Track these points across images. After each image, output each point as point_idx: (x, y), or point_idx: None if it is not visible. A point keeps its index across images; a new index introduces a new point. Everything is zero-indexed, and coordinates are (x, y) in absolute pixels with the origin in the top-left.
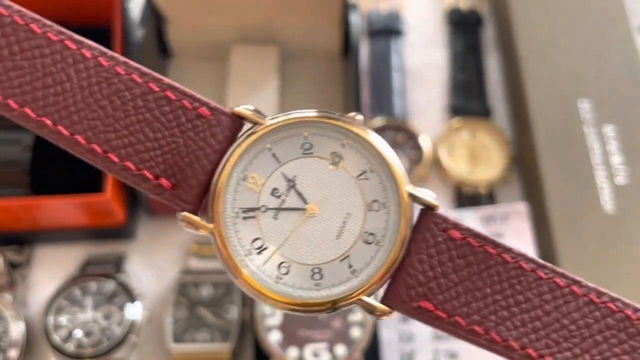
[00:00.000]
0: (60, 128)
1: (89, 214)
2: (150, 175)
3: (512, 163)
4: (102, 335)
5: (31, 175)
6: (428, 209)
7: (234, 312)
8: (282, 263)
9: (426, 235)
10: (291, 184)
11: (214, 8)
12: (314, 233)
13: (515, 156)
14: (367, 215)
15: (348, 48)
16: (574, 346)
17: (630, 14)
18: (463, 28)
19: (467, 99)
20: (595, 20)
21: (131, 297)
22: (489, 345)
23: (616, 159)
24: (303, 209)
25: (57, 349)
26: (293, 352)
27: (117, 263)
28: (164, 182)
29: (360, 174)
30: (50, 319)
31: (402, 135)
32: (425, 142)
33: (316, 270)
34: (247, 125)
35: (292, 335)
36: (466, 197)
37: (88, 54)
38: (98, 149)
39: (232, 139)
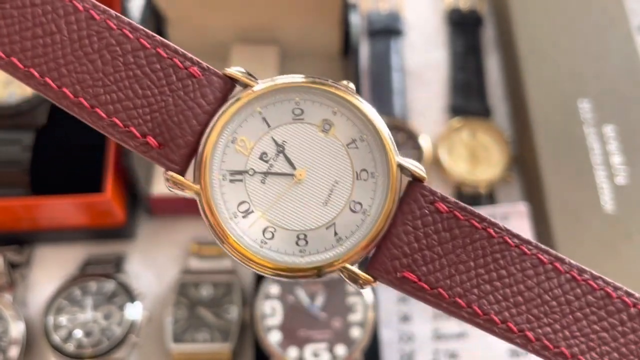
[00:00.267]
0: (48, 80)
1: (89, 214)
2: (137, 133)
3: (512, 163)
4: (102, 335)
5: (31, 175)
6: (416, 181)
7: (234, 312)
8: (267, 227)
9: (413, 207)
10: (280, 148)
11: (214, 8)
12: (300, 199)
13: (515, 156)
14: (355, 184)
15: (348, 48)
16: (554, 322)
17: (630, 14)
18: (463, 28)
19: (467, 99)
20: (595, 20)
21: (131, 297)
22: (471, 318)
23: (616, 159)
24: (291, 175)
25: (57, 349)
26: (293, 352)
27: (117, 263)
28: (151, 140)
29: (350, 143)
30: (50, 319)
31: (402, 135)
32: (425, 142)
33: (301, 237)
34: (239, 88)
35: (292, 335)
36: (466, 197)
37: (80, 6)
38: (86, 104)
39: (222, 100)
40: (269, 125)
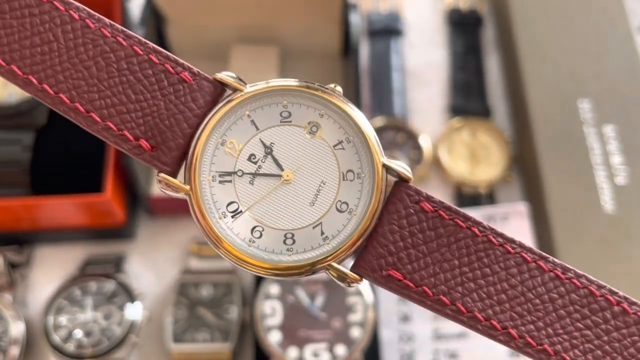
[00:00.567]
0: (46, 86)
1: (89, 214)
2: (130, 136)
3: (512, 163)
4: (102, 335)
5: (31, 175)
6: (402, 181)
7: (234, 312)
8: (255, 227)
9: (398, 207)
10: (268, 150)
11: (214, 8)
12: (288, 199)
13: (515, 156)
14: (342, 184)
15: (348, 48)
16: (538, 319)
17: (630, 14)
18: (463, 28)
19: (467, 98)
20: (595, 20)
21: (131, 297)
22: (455, 315)
23: (616, 159)
24: (279, 176)
25: (57, 349)
26: (293, 352)
27: (117, 263)
28: (143, 143)
29: (337, 144)
30: (50, 319)
31: (402, 135)
32: (425, 142)
33: (289, 236)
34: (228, 92)
35: (292, 335)
36: (466, 197)
37: (76, 16)
38: (81, 108)
39: (212, 104)
40: (257, 128)
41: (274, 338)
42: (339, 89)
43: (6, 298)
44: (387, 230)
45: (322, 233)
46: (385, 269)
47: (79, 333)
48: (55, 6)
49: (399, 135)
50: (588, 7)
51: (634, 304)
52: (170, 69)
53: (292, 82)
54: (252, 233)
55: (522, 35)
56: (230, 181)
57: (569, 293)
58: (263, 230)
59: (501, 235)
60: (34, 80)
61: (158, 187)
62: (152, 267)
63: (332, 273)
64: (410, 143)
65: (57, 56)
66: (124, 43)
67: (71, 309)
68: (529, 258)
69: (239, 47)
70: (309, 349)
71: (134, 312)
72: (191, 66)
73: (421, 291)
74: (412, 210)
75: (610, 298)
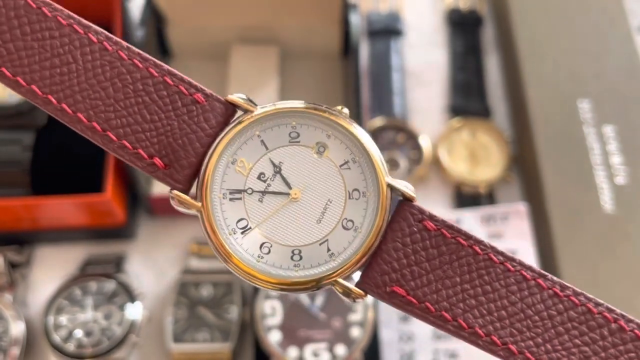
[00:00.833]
0: (64, 106)
1: (89, 214)
2: (144, 155)
3: (512, 163)
4: (102, 335)
5: (31, 175)
6: (406, 200)
7: (234, 312)
8: (264, 243)
9: (402, 225)
10: (277, 169)
11: (214, 8)
12: (296, 217)
13: (515, 156)
14: (348, 202)
15: (348, 48)
16: (537, 336)
17: (630, 14)
18: (463, 28)
19: (467, 99)
20: (595, 20)
21: (131, 297)
22: (457, 331)
23: (616, 159)
24: (287, 194)
25: (57, 348)
26: (293, 352)
27: (118, 263)
28: (157, 161)
29: (343, 164)
30: (51, 319)
31: (402, 135)
32: (425, 142)
33: (296, 252)
34: (239, 113)
35: (292, 335)
36: (466, 197)
37: (94, 39)
38: (98, 127)
39: (224, 124)
40: (266, 148)
41: (274, 338)
42: (346, 110)
43: (6, 298)
44: (391, 247)
45: (329, 250)
46: (389, 285)
47: (79, 333)
48: (75, 29)
49: (399, 135)
50: (588, 7)
51: (631, 321)
52: (184, 91)
53: (298, 104)
54: (260, 249)
55: (522, 35)
56: (240, 199)
57: (567, 310)
58: (271, 246)
59: (502, 253)
60: (53, 100)
61: (171, 203)
62: (152, 267)
63: (338, 289)
64: (410, 143)
65: (76, 77)
66: (140, 65)
67: (71, 309)
68: (528, 276)
69: (239, 47)
70: (309, 349)
71: (134, 312)
72: (204, 88)
73: (424, 307)
74: (415, 229)
75: (608, 315)
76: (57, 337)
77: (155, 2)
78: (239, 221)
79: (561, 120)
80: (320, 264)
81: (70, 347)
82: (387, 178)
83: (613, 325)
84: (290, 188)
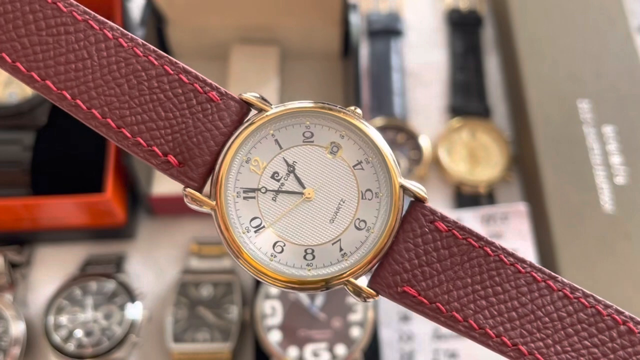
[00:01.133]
0: (79, 102)
1: (89, 213)
2: (159, 152)
3: (512, 163)
4: (102, 335)
5: (31, 175)
6: (418, 201)
7: (234, 312)
8: (277, 242)
9: (414, 226)
10: (291, 169)
11: (214, 8)
12: (309, 216)
13: (515, 156)
14: (360, 203)
15: (348, 48)
16: (547, 337)
17: (630, 14)
18: (463, 28)
19: (467, 99)
20: (595, 21)
21: (131, 297)
22: (467, 331)
23: (616, 159)
24: (300, 193)
25: (57, 348)
26: (293, 352)
27: (118, 263)
28: (171, 159)
29: (357, 164)
30: (51, 319)
31: (402, 135)
32: (425, 142)
33: (309, 251)
34: (253, 112)
35: (292, 335)
36: (466, 197)
37: (109, 35)
38: (112, 124)
39: (238, 123)
40: (280, 147)
41: (274, 338)
42: (359, 111)
43: (7, 298)
44: (403, 248)
45: (341, 249)
46: (401, 285)
47: (79, 333)
48: (90, 25)
49: (399, 135)
50: (588, 8)
51: None
52: (199, 89)
53: (314, 103)
54: (273, 248)
55: (522, 36)
56: (254, 197)
57: (577, 312)
58: (284, 245)
59: (512, 255)
60: (68, 96)
61: (185, 200)
62: (152, 267)
63: (349, 288)
64: (410, 143)
65: (91, 73)
66: (156, 62)
67: (72, 309)
68: (538, 277)
69: (239, 47)
70: (309, 349)
71: (134, 311)
72: (219, 86)
73: (435, 307)
74: (427, 230)
75: (617, 317)
76: (57, 337)
77: (155, 2)
78: (252, 220)
79: (561, 120)
80: (333, 263)
81: (71, 347)
82: (400, 179)
83: (622, 327)
84: (303, 187)
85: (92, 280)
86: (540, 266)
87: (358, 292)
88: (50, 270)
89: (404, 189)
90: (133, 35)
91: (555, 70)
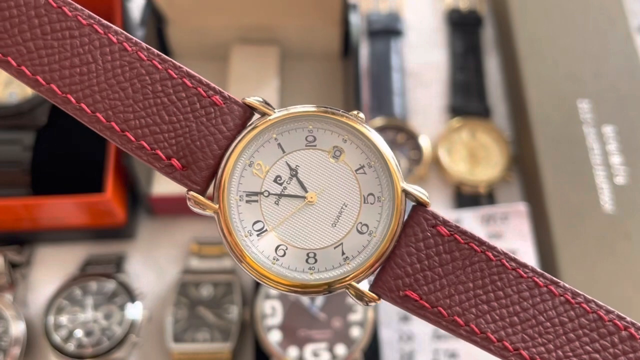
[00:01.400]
0: (83, 105)
1: (90, 213)
2: (162, 156)
3: (512, 163)
4: (102, 335)
5: (31, 175)
6: (420, 205)
7: (234, 312)
8: (279, 246)
9: (416, 230)
10: (293, 172)
11: (214, 8)
12: (311, 220)
13: (515, 156)
14: (363, 207)
15: (348, 48)
16: (548, 342)
17: (630, 14)
18: (463, 28)
19: (467, 99)
20: (594, 21)
21: (131, 296)
22: (469, 336)
23: (616, 159)
24: (303, 197)
25: (57, 348)
26: (293, 352)
27: (118, 263)
28: (175, 162)
29: (359, 168)
30: (51, 319)
31: (402, 135)
32: (425, 142)
33: (311, 255)
34: (256, 116)
35: (292, 335)
36: (466, 197)
37: (114, 39)
38: (116, 127)
39: (242, 127)
40: (283, 151)
41: (274, 338)
42: (362, 115)
43: (7, 298)
44: (405, 252)
45: (343, 253)
46: (403, 289)
47: (79, 333)
48: (95, 29)
49: (399, 135)
50: (588, 8)
51: None
52: (203, 93)
53: (317, 107)
54: (276, 251)
55: (522, 36)
56: (256, 201)
57: (579, 317)
58: (287, 249)
59: (514, 259)
60: (72, 99)
61: (188, 204)
62: (152, 266)
63: (351, 292)
64: (410, 143)
65: (95, 77)
66: (160, 66)
67: (72, 309)
68: (540, 282)
69: (239, 47)
70: (309, 349)
71: (135, 311)
72: (222, 90)
73: (437, 312)
74: (429, 234)
75: (618, 323)
76: (57, 337)
77: (155, 2)
78: (255, 223)
79: (561, 120)
80: (335, 267)
81: (71, 347)
82: (402, 183)
83: (623, 333)
84: (306, 191)
85: (92, 280)
86: (542, 271)
87: (360, 296)
88: (50, 270)
89: (406, 193)
90: (137, 40)
91: (555, 70)
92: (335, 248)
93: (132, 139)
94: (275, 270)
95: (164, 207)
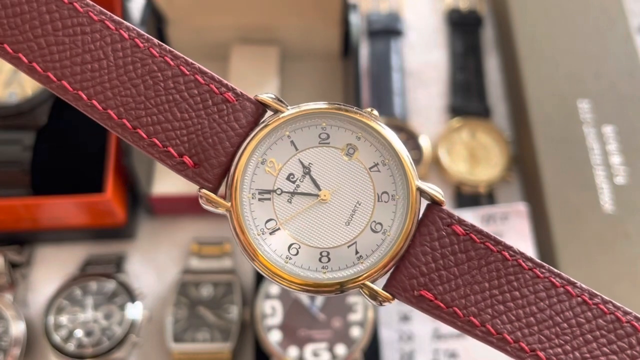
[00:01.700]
0: (95, 102)
1: (90, 213)
2: (174, 153)
3: (512, 163)
4: (102, 335)
5: (31, 175)
6: (434, 204)
7: (234, 312)
8: (292, 244)
9: (431, 229)
10: (307, 170)
11: (214, 8)
12: (324, 218)
13: (515, 156)
14: (376, 205)
15: (348, 48)
16: (565, 343)
17: (630, 14)
18: (463, 28)
19: (467, 99)
20: (594, 21)
21: (131, 296)
22: (485, 337)
23: (616, 159)
24: (316, 195)
25: (57, 348)
26: (293, 352)
27: (118, 263)
28: (187, 160)
29: (373, 166)
30: (51, 319)
31: (402, 135)
32: (425, 142)
33: (324, 254)
34: (269, 113)
35: (292, 335)
36: (466, 197)
37: (125, 35)
38: (128, 125)
39: (254, 124)
40: (296, 148)
41: (274, 338)
42: (376, 112)
43: (7, 298)
44: (420, 251)
45: (357, 252)
46: (417, 289)
47: (79, 333)
48: (106, 25)
49: (399, 135)
50: (588, 8)
51: None
52: (215, 89)
53: (324, 105)
54: (289, 250)
55: (522, 36)
56: (269, 199)
57: (596, 318)
58: (300, 247)
59: (531, 259)
60: (84, 96)
61: (200, 201)
62: (152, 266)
63: (365, 291)
64: (410, 143)
65: (107, 73)
66: (172, 63)
67: (72, 309)
68: (557, 283)
69: (239, 47)
70: (309, 349)
71: (135, 311)
72: (235, 87)
73: (452, 312)
74: (444, 233)
75: (636, 324)
76: (57, 337)
77: (155, 2)
78: (267, 222)
79: (561, 120)
80: (349, 266)
81: (71, 347)
82: (417, 181)
83: None
84: (319, 189)
85: (92, 280)
86: (558, 271)
87: (374, 295)
88: (50, 270)
89: (421, 191)
90: (149, 36)
91: (555, 70)
92: (348, 247)
93: (144, 136)
94: (288, 269)
95: (164, 207)
